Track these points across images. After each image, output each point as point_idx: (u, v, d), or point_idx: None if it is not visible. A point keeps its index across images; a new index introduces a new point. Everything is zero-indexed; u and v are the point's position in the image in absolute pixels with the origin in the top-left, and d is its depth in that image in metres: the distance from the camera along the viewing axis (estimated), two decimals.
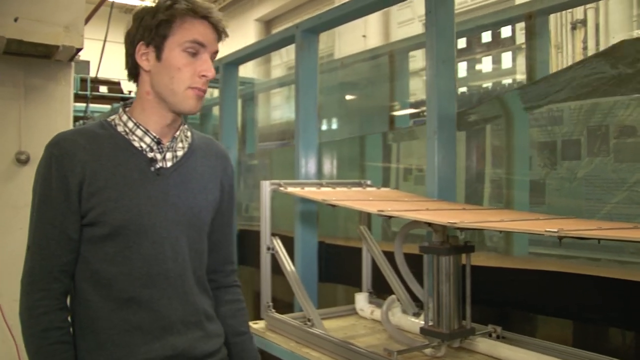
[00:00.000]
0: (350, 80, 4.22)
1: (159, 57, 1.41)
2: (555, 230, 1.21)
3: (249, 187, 4.64)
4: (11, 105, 3.25)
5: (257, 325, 2.22)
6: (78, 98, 5.71)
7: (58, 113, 3.32)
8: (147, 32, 1.41)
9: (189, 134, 1.56)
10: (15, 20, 2.96)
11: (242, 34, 11.80)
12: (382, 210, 1.65)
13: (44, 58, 3.30)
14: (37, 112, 3.29)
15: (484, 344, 1.82)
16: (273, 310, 2.20)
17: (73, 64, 3.41)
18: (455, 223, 1.42)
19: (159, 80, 1.42)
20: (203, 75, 1.40)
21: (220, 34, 1.45)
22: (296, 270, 2.79)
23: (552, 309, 2.10)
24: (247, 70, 5.62)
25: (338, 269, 2.96)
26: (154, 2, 1.45)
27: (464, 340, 1.83)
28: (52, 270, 1.38)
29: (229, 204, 1.64)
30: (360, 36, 8.56)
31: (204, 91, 1.43)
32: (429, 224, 1.66)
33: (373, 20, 8.70)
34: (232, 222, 1.68)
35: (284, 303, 2.88)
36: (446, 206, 1.88)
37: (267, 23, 12.42)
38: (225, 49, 3.72)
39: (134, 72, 1.47)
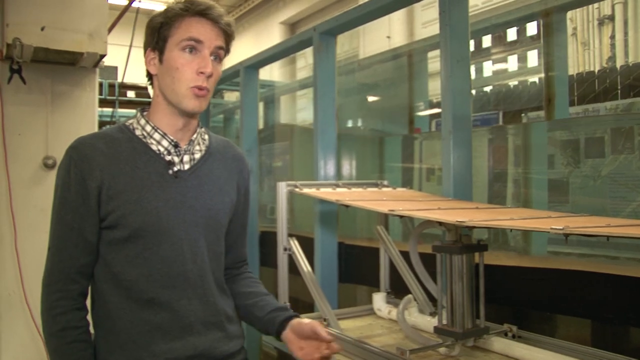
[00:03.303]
0: (369, 81, 4.22)
1: (161, 59, 1.45)
2: (561, 227, 1.20)
3: (272, 189, 4.67)
4: (39, 112, 3.35)
5: None
6: (106, 103, 5.83)
7: (83, 118, 3.41)
8: (151, 37, 1.46)
9: (206, 136, 1.60)
10: (42, 29, 3.05)
11: (267, 37, 11.88)
12: (393, 210, 1.66)
13: (70, 65, 3.39)
14: (63, 118, 3.38)
15: (498, 343, 1.82)
16: (290, 310, 2.22)
17: (97, 70, 3.50)
18: (463, 222, 1.43)
19: (163, 82, 1.46)
20: (201, 72, 1.42)
21: (222, 30, 1.46)
22: (316, 271, 2.83)
23: (568, 307, 2.08)
24: (274, 73, 5.67)
25: (357, 270, 2.97)
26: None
27: (479, 339, 1.82)
28: (69, 272, 1.42)
29: (245, 206, 1.68)
30: (384, 37, 8.53)
31: (206, 89, 1.44)
32: (440, 223, 1.66)
33: (397, 21, 8.66)
34: (247, 224, 1.72)
35: (306, 304, 2.91)
36: (459, 205, 1.88)
37: (292, 26, 12.47)
38: (252, 52, 3.76)
39: (149, 78, 1.53)
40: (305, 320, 1.52)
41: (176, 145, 1.50)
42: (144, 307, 1.43)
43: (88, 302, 1.50)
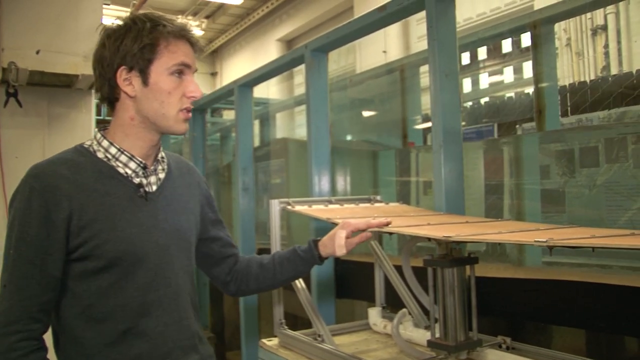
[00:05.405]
0: (363, 96, 4.25)
1: (145, 82, 1.39)
2: (544, 240, 1.21)
3: None
4: (36, 135, 3.39)
5: (271, 343, 2.24)
6: (106, 123, 5.84)
7: (79, 140, 3.38)
8: (130, 57, 1.37)
9: (163, 154, 1.55)
10: (37, 52, 3.09)
11: (265, 54, 11.96)
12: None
13: (66, 87, 3.43)
14: (60, 140, 3.42)
15: (492, 355, 1.81)
16: (286, 327, 2.23)
17: (93, 91, 3.53)
18: (450, 237, 1.44)
19: (148, 106, 1.40)
20: (192, 97, 1.42)
21: (197, 51, 1.46)
22: (313, 288, 2.83)
23: (562, 318, 2.08)
24: (271, 90, 5.71)
25: (354, 285, 2.97)
26: (122, 20, 1.41)
27: (472, 351, 1.82)
28: (31, 311, 1.32)
29: (214, 213, 1.68)
30: (380, 52, 8.59)
31: (190, 110, 1.44)
32: (429, 239, 1.67)
33: (393, 36, 8.73)
34: (224, 225, 1.74)
35: (305, 320, 2.91)
36: (449, 220, 1.89)
37: (289, 43, 12.56)
38: (249, 69, 3.78)
39: (112, 96, 1.43)
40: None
41: (145, 167, 1.46)
42: (119, 340, 1.37)
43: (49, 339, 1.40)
